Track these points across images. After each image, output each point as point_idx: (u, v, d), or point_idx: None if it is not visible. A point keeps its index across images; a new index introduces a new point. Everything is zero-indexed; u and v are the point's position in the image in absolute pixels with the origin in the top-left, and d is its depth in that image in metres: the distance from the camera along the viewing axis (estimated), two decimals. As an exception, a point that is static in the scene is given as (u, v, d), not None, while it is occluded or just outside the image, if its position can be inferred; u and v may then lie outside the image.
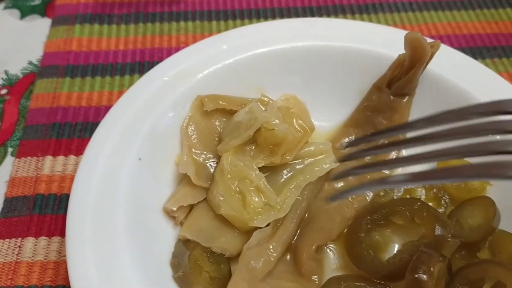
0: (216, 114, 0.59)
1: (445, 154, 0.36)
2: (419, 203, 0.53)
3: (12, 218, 0.58)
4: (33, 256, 0.55)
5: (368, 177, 0.54)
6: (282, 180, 0.55)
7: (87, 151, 0.53)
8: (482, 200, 0.54)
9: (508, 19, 0.82)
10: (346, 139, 0.62)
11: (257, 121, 0.54)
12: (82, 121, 0.67)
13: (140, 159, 0.53)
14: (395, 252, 0.51)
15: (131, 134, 0.54)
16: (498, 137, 0.36)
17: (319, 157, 0.57)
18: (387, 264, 0.50)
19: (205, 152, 0.57)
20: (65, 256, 0.53)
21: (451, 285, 0.48)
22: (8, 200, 0.59)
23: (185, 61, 0.61)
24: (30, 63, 0.75)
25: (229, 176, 0.53)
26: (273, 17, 0.81)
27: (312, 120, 0.61)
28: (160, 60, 0.63)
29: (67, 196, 0.58)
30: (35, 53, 0.76)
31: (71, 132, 0.66)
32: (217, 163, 0.56)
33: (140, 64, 0.74)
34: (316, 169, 0.56)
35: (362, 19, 0.81)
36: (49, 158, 0.63)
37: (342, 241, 0.54)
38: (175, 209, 0.53)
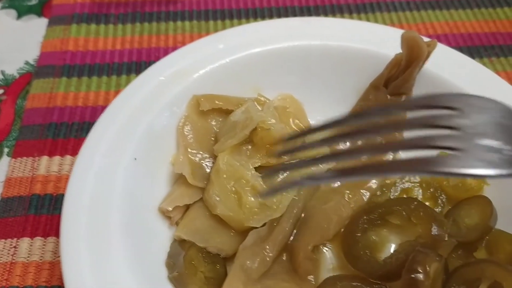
0: (213, 114, 0.59)
1: (374, 149, 0.37)
2: (415, 203, 0.52)
3: (8, 218, 0.58)
4: (28, 257, 0.55)
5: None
6: (278, 180, 0.55)
7: (83, 151, 0.52)
8: (479, 200, 0.54)
9: (505, 18, 0.82)
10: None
11: (253, 120, 0.54)
12: (78, 121, 0.67)
13: (135, 158, 0.53)
14: (391, 252, 0.51)
15: (127, 133, 0.54)
16: (426, 131, 0.37)
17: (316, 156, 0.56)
18: (383, 264, 0.50)
19: (201, 152, 0.57)
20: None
21: (448, 284, 0.48)
22: (3, 200, 0.59)
23: (181, 60, 0.61)
24: (27, 63, 0.74)
25: (225, 176, 0.53)
26: (270, 16, 0.81)
27: (309, 119, 0.60)
28: (157, 60, 0.62)
29: (63, 196, 0.57)
30: (32, 53, 0.75)
31: (68, 132, 0.65)
32: (213, 163, 0.56)
33: (137, 64, 0.74)
34: (312, 169, 0.55)
35: (360, 19, 0.80)
36: (45, 158, 0.63)
37: (339, 241, 0.54)
38: (170, 209, 0.53)
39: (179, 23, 0.79)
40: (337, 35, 0.64)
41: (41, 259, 0.55)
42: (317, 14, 0.81)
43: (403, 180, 0.58)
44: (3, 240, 0.56)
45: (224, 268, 0.51)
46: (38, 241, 0.56)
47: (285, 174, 0.44)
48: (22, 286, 0.53)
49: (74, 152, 0.63)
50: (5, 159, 0.63)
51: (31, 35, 0.78)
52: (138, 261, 0.48)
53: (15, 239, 0.56)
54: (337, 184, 0.57)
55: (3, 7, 0.82)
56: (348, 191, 0.56)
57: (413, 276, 0.45)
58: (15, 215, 0.58)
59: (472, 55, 0.75)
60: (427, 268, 0.45)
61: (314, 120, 0.62)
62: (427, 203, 0.55)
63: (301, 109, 0.61)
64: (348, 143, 0.39)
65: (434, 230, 0.50)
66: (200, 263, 0.50)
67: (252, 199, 0.52)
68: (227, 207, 0.52)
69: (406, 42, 0.56)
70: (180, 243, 0.52)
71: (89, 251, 0.47)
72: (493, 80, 0.61)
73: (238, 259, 0.50)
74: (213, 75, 0.61)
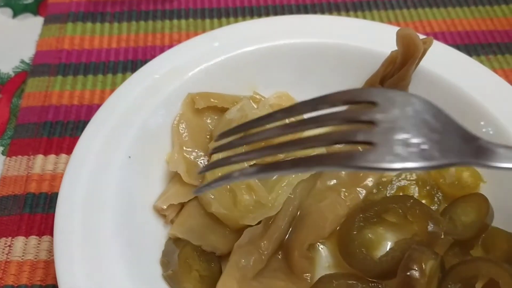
0: (208, 112, 0.59)
1: (296, 144, 0.38)
2: (412, 201, 0.52)
3: (2, 217, 0.58)
4: (23, 256, 0.55)
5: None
6: (274, 177, 0.55)
7: (77, 149, 0.52)
8: (475, 197, 0.54)
9: (503, 16, 0.82)
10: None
11: (247, 118, 0.53)
12: (73, 119, 0.66)
13: (130, 157, 0.53)
14: (387, 250, 0.51)
15: (121, 131, 0.54)
16: (347, 126, 0.38)
17: (312, 154, 0.56)
18: (379, 262, 0.49)
19: (196, 150, 0.56)
20: (55, 255, 0.52)
21: (444, 282, 0.47)
22: (-2, 199, 0.59)
23: (176, 58, 0.61)
24: (22, 61, 0.74)
25: (220, 174, 0.52)
26: (267, 14, 0.80)
27: (304, 117, 0.60)
28: (153, 58, 0.62)
29: (58, 195, 0.58)
30: (27, 52, 0.75)
31: (63, 131, 0.65)
32: (208, 161, 0.56)
33: (133, 62, 0.74)
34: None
35: (356, 16, 0.80)
36: (40, 157, 0.63)
37: (335, 239, 0.54)
38: (165, 207, 0.53)
39: (175, 21, 0.79)
40: (333, 33, 0.64)
41: (35, 258, 0.55)
42: (314, 12, 0.81)
43: (399, 178, 0.58)
44: (-3, 239, 0.56)
45: (219, 267, 0.51)
46: (33, 240, 0.56)
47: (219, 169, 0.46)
48: (16, 285, 0.53)
49: (69, 150, 0.63)
50: (0, 157, 0.63)
51: (27, 33, 0.78)
52: (132, 260, 0.47)
53: (10, 238, 0.56)
54: (333, 182, 0.57)
55: (-1, 6, 0.82)
56: (344, 189, 0.56)
57: (408, 274, 0.45)
58: (9, 214, 0.58)
59: (469, 53, 0.75)
60: (423, 266, 0.45)
61: (310, 118, 0.61)
62: (423, 201, 0.55)
63: (296, 107, 0.61)
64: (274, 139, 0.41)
65: (430, 228, 0.50)
66: (194, 261, 0.50)
67: (247, 197, 0.51)
68: (222, 205, 0.51)
69: (402, 39, 0.56)
70: (174, 242, 0.52)
71: (83, 250, 0.46)
72: (490, 78, 0.61)
73: (233, 257, 0.50)
74: (209, 73, 0.60)
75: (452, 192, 0.56)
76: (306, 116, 0.40)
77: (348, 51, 0.63)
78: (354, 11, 0.81)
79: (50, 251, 0.55)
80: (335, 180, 0.57)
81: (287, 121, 0.41)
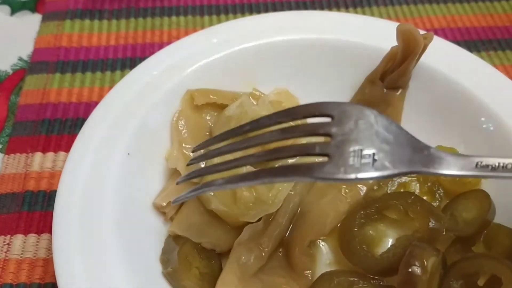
0: (207, 109, 0.59)
1: (260, 156, 0.41)
2: (413, 197, 0.52)
3: (1, 215, 0.57)
4: (22, 254, 0.55)
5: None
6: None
7: (75, 146, 0.52)
8: (477, 193, 0.53)
9: (503, 12, 0.82)
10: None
11: (247, 115, 0.53)
12: (72, 117, 0.66)
13: (129, 154, 0.53)
14: (389, 246, 0.50)
15: (119, 129, 0.53)
16: (306, 139, 0.43)
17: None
18: (380, 259, 0.49)
19: (195, 147, 0.56)
20: (54, 253, 0.52)
21: (446, 279, 0.47)
22: (-4, 197, 0.59)
23: (175, 55, 0.60)
24: (20, 59, 0.74)
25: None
26: (266, 11, 0.80)
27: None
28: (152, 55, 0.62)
29: (56, 193, 0.57)
30: (25, 49, 0.75)
31: (61, 128, 0.65)
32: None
33: (131, 59, 0.73)
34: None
35: (356, 13, 0.80)
36: (38, 155, 0.62)
37: (335, 236, 0.53)
38: (164, 204, 0.52)
39: (174, 18, 0.79)
40: (333, 29, 0.64)
41: (34, 256, 0.55)
42: (313, 8, 0.80)
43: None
44: (-4, 237, 0.56)
45: (219, 264, 0.51)
46: (32, 238, 0.56)
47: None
48: (15, 283, 0.53)
49: (68, 148, 0.62)
50: (-2, 155, 0.63)
51: (25, 31, 0.77)
52: (132, 257, 0.47)
53: (9, 236, 0.56)
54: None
55: (-3, 3, 0.81)
56: (344, 186, 0.56)
57: (410, 270, 0.45)
58: (8, 212, 0.58)
59: (469, 49, 0.75)
60: (425, 262, 0.45)
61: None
62: (424, 198, 0.54)
63: (296, 104, 0.61)
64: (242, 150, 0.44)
65: (432, 224, 0.50)
66: (194, 258, 0.49)
67: (247, 194, 0.51)
68: (222, 202, 0.51)
69: (402, 34, 0.55)
70: (174, 239, 0.51)
71: (81, 247, 0.46)
72: (491, 74, 0.60)
73: (233, 255, 0.50)
74: (208, 69, 0.60)
75: (454, 189, 0.56)
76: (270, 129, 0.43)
77: (348, 47, 0.63)
78: (353, 8, 0.81)
79: (49, 249, 0.55)
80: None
81: (252, 134, 0.44)
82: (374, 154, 0.39)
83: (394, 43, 0.57)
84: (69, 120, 0.66)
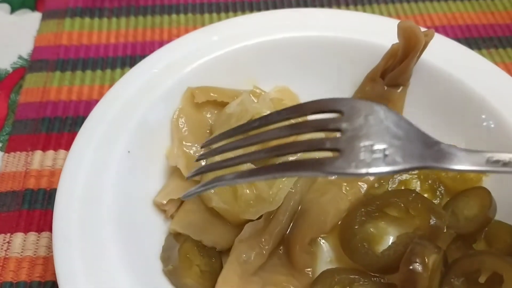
0: (207, 106, 0.59)
1: (270, 151, 0.41)
2: (414, 195, 0.52)
3: (1, 213, 0.57)
4: (22, 252, 0.55)
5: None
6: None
7: (75, 144, 0.52)
8: (478, 191, 0.53)
9: (504, 9, 0.82)
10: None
11: (248, 112, 0.53)
12: (72, 115, 0.66)
13: (129, 151, 0.52)
14: (389, 244, 0.50)
15: (120, 126, 0.53)
16: (316, 134, 0.42)
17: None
18: (381, 256, 0.49)
19: (196, 145, 0.56)
20: (54, 251, 0.52)
21: (447, 276, 0.47)
22: (-4, 196, 0.59)
23: (175, 52, 0.60)
24: (20, 57, 0.74)
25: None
26: (266, 9, 0.80)
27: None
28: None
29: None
30: (25, 48, 0.75)
31: (61, 127, 0.65)
32: (207, 156, 0.55)
33: (132, 58, 0.73)
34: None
35: (356, 10, 0.80)
36: (38, 153, 0.62)
37: (336, 233, 0.53)
38: (165, 202, 0.52)
39: (174, 16, 0.79)
40: (334, 27, 0.64)
41: (35, 254, 0.54)
42: (313, 5, 0.80)
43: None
44: (-4, 235, 0.56)
45: (220, 262, 0.51)
46: (32, 236, 0.56)
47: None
48: (15, 281, 0.53)
49: (68, 146, 0.62)
50: (-2, 154, 0.63)
51: (25, 29, 0.77)
52: (132, 255, 0.47)
53: (9, 234, 0.56)
54: (333, 177, 0.57)
55: (-4, 2, 0.81)
56: (345, 184, 0.56)
57: (411, 268, 0.44)
58: (8, 210, 0.57)
59: (470, 47, 0.74)
60: (426, 260, 0.45)
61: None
62: (425, 195, 0.54)
63: (297, 101, 0.61)
64: (252, 146, 0.45)
65: (433, 221, 0.50)
66: (195, 256, 0.49)
67: (248, 191, 0.51)
68: (223, 200, 0.51)
69: (403, 32, 0.55)
70: (175, 237, 0.51)
71: (82, 246, 0.46)
72: (492, 71, 0.60)
73: (234, 252, 0.49)
74: (208, 67, 0.60)
75: (455, 186, 0.56)
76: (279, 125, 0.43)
77: (348, 44, 0.63)
78: (354, 5, 0.81)
79: (49, 247, 0.55)
80: (335, 176, 0.57)
81: (262, 130, 0.44)
82: (385, 149, 0.39)
83: (395, 40, 0.57)
84: (69, 118, 0.66)
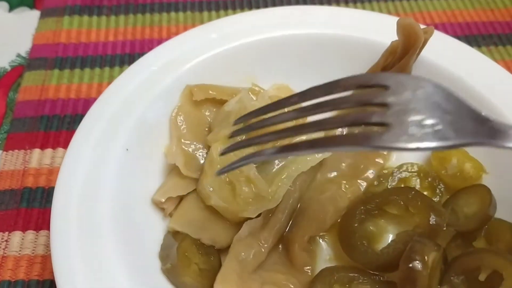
0: (206, 104, 0.58)
1: (313, 126, 0.39)
2: (413, 192, 0.52)
3: (-1, 212, 0.57)
4: (20, 250, 0.54)
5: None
6: (273, 170, 0.54)
7: (73, 142, 0.52)
8: (478, 189, 0.53)
9: (504, 6, 0.81)
10: (340, 131, 0.61)
11: (246, 110, 0.53)
12: (70, 113, 0.66)
13: (127, 149, 0.52)
14: (389, 242, 0.50)
15: (118, 124, 0.53)
16: (360, 109, 0.40)
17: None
18: (381, 254, 0.49)
19: (194, 143, 0.56)
20: (52, 249, 0.52)
21: (447, 274, 0.47)
22: (-6, 194, 0.58)
23: (174, 50, 0.60)
24: (19, 55, 0.74)
25: (218, 166, 0.52)
26: (265, 6, 0.80)
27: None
28: (150, 51, 0.62)
29: (54, 189, 0.57)
30: (24, 46, 0.75)
31: (60, 125, 0.65)
32: (207, 153, 0.55)
33: (130, 55, 0.73)
34: (308, 158, 0.55)
35: (356, 8, 0.79)
36: (37, 151, 0.62)
37: (335, 231, 0.53)
38: (163, 200, 0.52)
39: (172, 14, 0.78)
40: (333, 24, 0.63)
41: (33, 253, 0.54)
42: (313, 3, 0.80)
43: (401, 170, 0.57)
44: (-6, 233, 0.55)
45: (219, 260, 0.50)
46: (30, 234, 0.56)
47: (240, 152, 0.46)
48: (14, 280, 0.52)
49: (66, 144, 0.61)
50: (-4, 152, 0.63)
51: (23, 27, 0.77)
52: (131, 253, 0.47)
53: (7, 232, 0.56)
54: (333, 174, 0.57)
55: (-5, 0, 0.81)
56: (344, 182, 0.56)
57: (411, 265, 0.44)
58: (6, 209, 0.57)
59: (470, 44, 0.74)
60: (425, 257, 0.45)
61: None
62: (425, 193, 0.54)
63: (296, 99, 0.60)
64: (291, 122, 0.42)
65: (432, 219, 0.50)
66: (194, 254, 0.49)
67: (247, 189, 0.51)
68: (221, 198, 0.51)
69: (402, 29, 0.55)
70: (173, 235, 0.51)
71: (80, 244, 0.46)
72: (492, 68, 0.60)
73: (232, 251, 0.49)
74: (207, 65, 0.60)
75: (454, 184, 0.55)
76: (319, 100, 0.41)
77: (348, 42, 0.63)
78: (353, 3, 0.81)
79: (48, 246, 0.54)
80: (335, 173, 0.57)
81: (302, 104, 0.42)
82: (435, 124, 0.37)
83: (395, 37, 0.57)
84: (67, 116, 0.65)
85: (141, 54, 0.72)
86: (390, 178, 0.57)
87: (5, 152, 0.62)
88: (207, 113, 0.58)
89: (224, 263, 0.49)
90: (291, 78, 0.62)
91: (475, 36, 0.77)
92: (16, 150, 0.62)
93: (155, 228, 0.52)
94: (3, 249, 0.54)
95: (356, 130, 0.39)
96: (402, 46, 0.56)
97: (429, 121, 0.37)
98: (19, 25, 0.78)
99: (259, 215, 0.51)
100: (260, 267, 0.50)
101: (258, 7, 0.79)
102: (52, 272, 0.51)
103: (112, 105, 0.54)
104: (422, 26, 0.56)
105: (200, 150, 0.55)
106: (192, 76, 0.59)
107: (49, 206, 0.57)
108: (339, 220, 0.53)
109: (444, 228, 0.50)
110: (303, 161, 0.54)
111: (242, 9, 0.79)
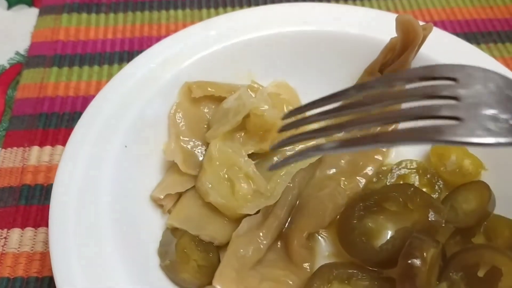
0: (205, 101, 0.58)
1: (375, 119, 0.37)
2: (412, 189, 0.51)
3: (-2, 209, 0.57)
4: (19, 247, 0.54)
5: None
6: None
7: (72, 139, 0.51)
8: (477, 185, 0.53)
9: (503, 4, 0.81)
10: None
11: (245, 107, 0.53)
12: (69, 111, 0.66)
13: (126, 146, 0.52)
14: (388, 238, 0.50)
15: (116, 121, 0.53)
16: (427, 102, 0.37)
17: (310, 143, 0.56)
18: (380, 250, 0.49)
19: (193, 140, 0.56)
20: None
21: (446, 270, 0.47)
22: (-7, 191, 0.58)
23: (173, 47, 0.60)
24: (17, 53, 0.73)
25: (217, 163, 0.52)
26: (264, 3, 0.79)
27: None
28: (149, 48, 0.62)
29: (53, 187, 0.57)
30: (22, 43, 0.75)
31: (58, 122, 0.65)
32: (205, 150, 0.55)
33: (129, 53, 0.73)
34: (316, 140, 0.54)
35: (355, 5, 0.79)
36: (35, 149, 0.62)
37: (334, 228, 0.53)
38: (162, 197, 0.52)
39: (171, 11, 0.78)
40: (332, 21, 0.63)
41: (32, 250, 0.54)
42: (312, 0, 0.79)
43: (400, 167, 0.57)
44: (-7, 231, 0.55)
45: (217, 257, 0.50)
46: (29, 231, 0.55)
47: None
48: (12, 277, 0.52)
49: (65, 142, 0.60)
50: (-5, 150, 0.63)
51: (22, 25, 0.77)
52: (129, 250, 0.47)
53: (6, 229, 0.56)
54: (332, 171, 0.56)
55: (-7, -2, 0.81)
56: (343, 178, 0.55)
57: (410, 262, 0.44)
58: (5, 206, 0.57)
59: (469, 42, 0.74)
60: (424, 254, 0.45)
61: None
62: (424, 189, 0.54)
63: (295, 96, 0.60)
64: (349, 115, 0.38)
65: (431, 216, 0.49)
66: (192, 251, 0.49)
67: (245, 186, 0.51)
68: (220, 195, 0.51)
69: (401, 25, 0.55)
70: (172, 232, 0.51)
71: (78, 241, 0.46)
72: (491, 64, 0.60)
73: (231, 247, 0.49)
74: (206, 61, 0.60)
75: (453, 180, 0.55)
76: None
77: (346, 39, 0.62)
78: (353, 0, 0.80)
79: (46, 243, 0.54)
80: (334, 169, 0.56)
81: (361, 97, 0.39)
82: (508, 118, 0.35)
83: (394, 34, 0.57)
84: (66, 114, 0.65)
85: (140, 51, 0.71)
86: (389, 174, 0.57)
87: (3, 150, 0.62)
88: (206, 110, 0.58)
89: (222, 259, 0.49)
90: (290, 75, 0.62)
91: (474, 33, 0.77)
92: (15, 148, 0.62)
93: (153, 225, 0.52)
94: (2, 246, 0.54)
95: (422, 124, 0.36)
96: (401, 43, 0.56)
97: (503, 116, 0.35)
98: (17, 23, 0.77)
99: (258, 212, 0.51)
100: (259, 264, 0.50)
101: (257, 4, 0.79)
102: (51, 269, 0.51)
103: (111, 102, 0.54)
104: (421, 23, 0.56)
105: (199, 147, 0.55)
106: (191, 73, 0.58)
107: (47, 203, 0.56)
108: (338, 217, 0.53)
109: (443, 225, 0.49)
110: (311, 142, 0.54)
111: (241, 6, 0.79)
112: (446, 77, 0.37)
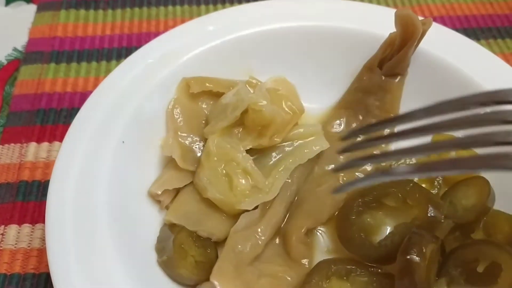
0: (203, 97, 0.58)
1: (446, 145, 0.35)
2: (411, 185, 0.51)
3: (-5, 205, 0.57)
4: (16, 244, 0.54)
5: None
6: (271, 162, 0.54)
7: (69, 135, 0.51)
8: (476, 180, 0.53)
9: (503, 0, 0.81)
10: (338, 124, 0.60)
11: (243, 102, 0.52)
12: (67, 107, 0.65)
13: (123, 142, 0.52)
14: (387, 234, 0.50)
15: (114, 116, 0.53)
16: (499, 127, 0.35)
17: (309, 139, 0.55)
18: (378, 246, 0.48)
19: (191, 135, 0.55)
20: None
21: (445, 266, 0.47)
22: (-10, 187, 0.58)
23: (171, 42, 0.59)
24: (15, 49, 0.73)
25: (215, 158, 0.52)
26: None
27: (302, 102, 0.59)
28: (147, 44, 0.61)
29: (50, 183, 0.57)
30: (20, 40, 0.74)
31: (56, 118, 0.64)
32: (204, 146, 0.55)
33: (127, 49, 0.73)
34: (306, 151, 0.54)
35: (354, 0, 0.79)
36: (33, 145, 0.62)
37: (333, 224, 0.53)
38: (159, 192, 0.52)
39: (170, 7, 0.78)
40: (331, 16, 0.63)
41: (29, 246, 0.54)
42: (311, -4, 0.79)
43: (399, 163, 0.57)
44: (-10, 227, 0.55)
45: (215, 252, 0.50)
46: (26, 228, 0.55)
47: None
48: (9, 273, 0.52)
49: (63, 138, 0.61)
50: (-8, 146, 0.62)
51: (20, 21, 0.77)
52: (127, 246, 0.47)
53: (3, 226, 0.55)
54: (331, 166, 0.56)
55: (-9, -6, 0.81)
56: (342, 174, 0.55)
57: (409, 257, 0.44)
58: (2, 202, 0.57)
59: (469, 37, 0.73)
60: (423, 249, 0.44)
61: (308, 102, 0.60)
62: (423, 185, 0.54)
63: (293, 91, 0.60)
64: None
65: (431, 211, 0.49)
66: (190, 247, 0.49)
67: (243, 181, 0.50)
68: (218, 190, 0.51)
69: (400, 20, 0.55)
70: (170, 227, 0.51)
71: (75, 237, 0.45)
72: (490, 60, 0.60)
73: (229, 243, 0.49)
74: (204, 57, 0.59)
75: (452, 176, 0.55)
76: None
77: (345, 34, 0.62)
78: (352, -4, 0.80)
79: (44, 239, 0.54)
80: (333, 165, 0.56)
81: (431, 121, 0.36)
82: None
83: (392, 30, 0.56)
84: (64, 110, 0.65)
85: (138, 47, 0.71)
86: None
87: (1, 146, 0.62)
88: (204, 106, 0.58)
89: (220, 255, 0.49)
90: (288, 71, 0.62)
91: (474, 29, 0.77)
92: (12, 144, 0.62)
93: (151, 221, 0.52)
94: (-1, 242, 0.54)
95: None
96: (400, 38, 0.56)
97: None
98: (15, 19, 0.77)
99: (256, 208, 0.51)
100: (257, 260, 0.49)
101: (256, 0, 0.79)
102: (48, 266, 0.51)
103: (108, 98, 0.54)
104: (420, 18, 0.56)
105: (197, 143, 0.55)
106: (189, 69, 0.58)
107: (45, 199, 0.56)
108: (336, 213, 0.53)
109: (442, 220, 0.49)
110: (301, 153, 0.54)
111: (240, 2, 0.79)
112: None
